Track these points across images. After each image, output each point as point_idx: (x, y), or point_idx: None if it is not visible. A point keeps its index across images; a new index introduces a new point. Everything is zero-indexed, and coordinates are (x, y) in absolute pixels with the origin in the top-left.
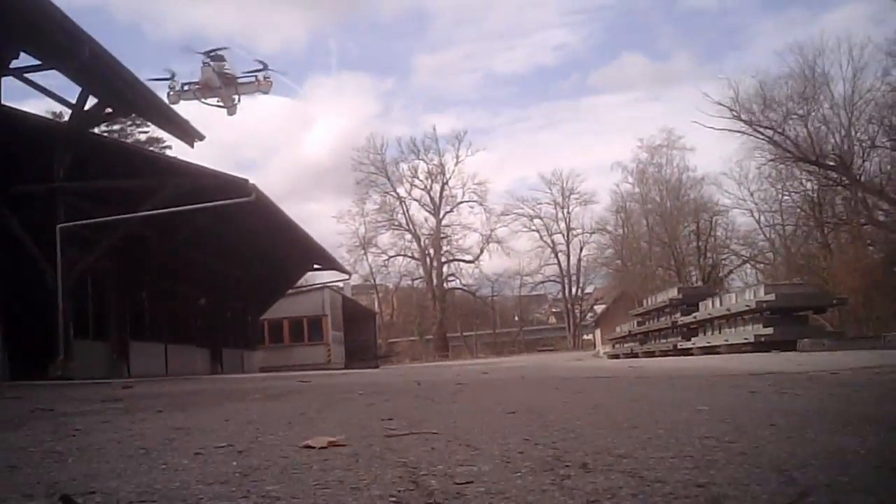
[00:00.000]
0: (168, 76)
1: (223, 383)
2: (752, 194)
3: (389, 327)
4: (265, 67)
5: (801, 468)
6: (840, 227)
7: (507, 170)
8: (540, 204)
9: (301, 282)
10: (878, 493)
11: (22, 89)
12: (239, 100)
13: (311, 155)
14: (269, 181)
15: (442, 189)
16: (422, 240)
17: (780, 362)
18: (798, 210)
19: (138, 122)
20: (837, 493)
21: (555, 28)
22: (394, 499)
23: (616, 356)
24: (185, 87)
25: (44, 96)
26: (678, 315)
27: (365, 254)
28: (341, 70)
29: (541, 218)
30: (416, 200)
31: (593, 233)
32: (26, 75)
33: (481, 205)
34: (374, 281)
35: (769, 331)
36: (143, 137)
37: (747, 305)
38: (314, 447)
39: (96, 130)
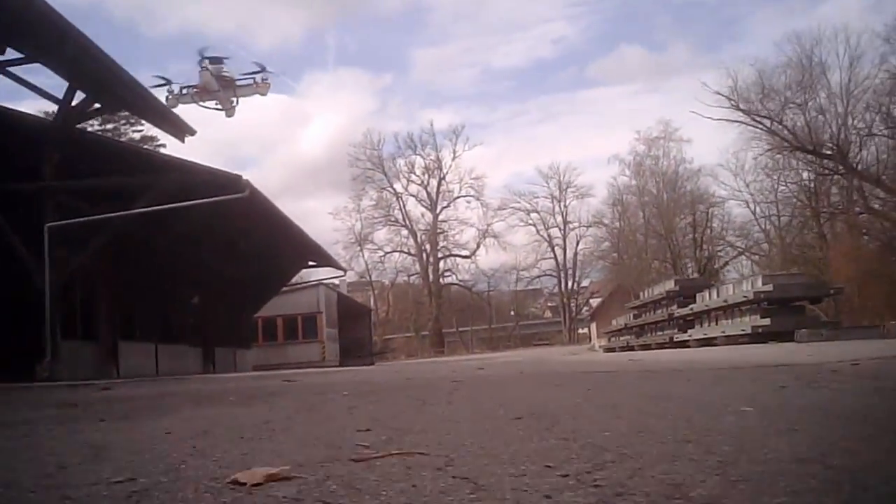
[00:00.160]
0: (165, 81)
1: (205, 384)
2: (747, 185)
3: (385, 324)
4: (263, 69)
5: None
6: (836, 216)
7: (504, 164)
8: (537, 198)
9: (296, 279)
10: None
11: (10, 87)
12: (237, 102)
13: (307, 152)
14: (266, 178)
15: (439, 184)
16: (418, 235)
17: (786, 353)
18: (794, 200)
19: (132, 121)
20: None
21: (553, 21)
22: None
23: (612, 349)
24: (184, 91)
25: (37, 97)
26: (675, 307)
27: (361, 250)
28: (338, 66)
29: (537, 212)
30: (413, 196)
31: (590, 226)
32: (12, 69)
33: (478, 200)
34: (370, 277)
35: (766, 321)
36: (137, 136)
37: (745, 296)
38: (244, 484)
39: (89, 129)
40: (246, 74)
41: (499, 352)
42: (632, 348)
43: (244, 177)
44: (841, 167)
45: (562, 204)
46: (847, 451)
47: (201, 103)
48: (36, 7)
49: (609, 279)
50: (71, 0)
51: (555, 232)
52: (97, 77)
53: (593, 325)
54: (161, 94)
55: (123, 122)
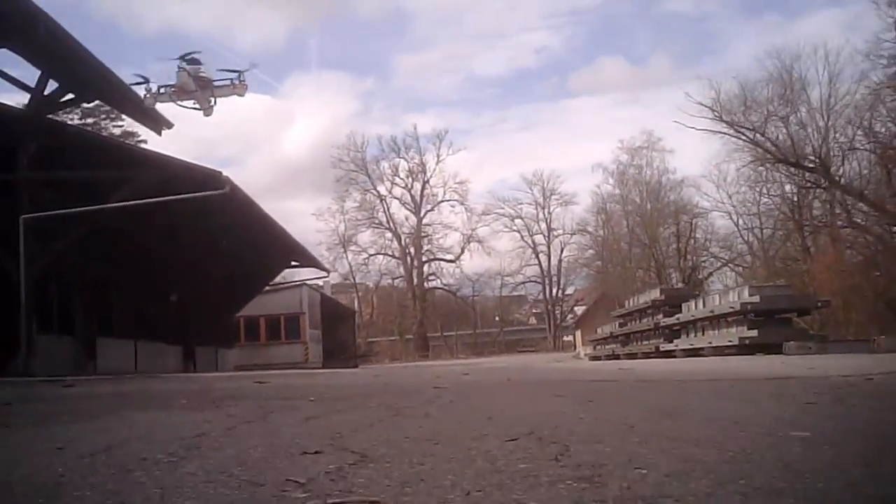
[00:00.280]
0: (144, 79)
1: (169, 384)
2: (730, 197)
3: (369, 326)
4: (239, 71)
5: None
6: (820, 229)
7: (487, 170)
8: (521, 204)
9: (279, 279)
10: None
11: None
12: (215, 102)
13: (290, 153)
14: (249, 178)
15: (423, 188)
16: (402, 238)
17: (783, 366)
18: (777, 212)
19: (112, 116)
20: None
21: (535, 31)
22: None
23: (597, 358)
24: (162, 91)
25: (11, 90)
26: (660, 316)
27: (345, 252)
28: (321, 68)
29: (522, 218)
30: (397, 199)
31: (574, 234)
32: None
33: (462, 204)
34: (354, 279)
35: (753, 333)
36: (117, 131)
37: (731, 307)
38: None
39: (70, 123)
40: (223, 71)
41: (483, 357)
42: (617, 357)
43: (224, 173)
44: (824, 180)
45: (546, 211)
46: None
47: (179, 103)
48: None
49: (593, 287)
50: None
51: (539, 238)
52: (70, 66)
53: (578, 333)
54: (139, 92)
55: (104, 116)
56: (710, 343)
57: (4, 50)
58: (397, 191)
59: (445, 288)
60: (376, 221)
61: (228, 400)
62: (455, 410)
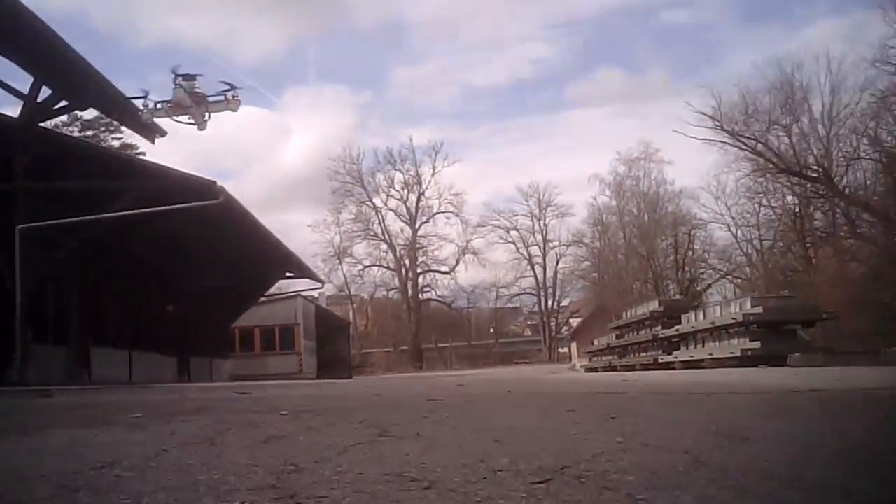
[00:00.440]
0: (143, 94)
1: (147, 395)
2: (729, 209)
3: (364, 338)
4: (233, 87)
5: None
6: (824, 240)
7: (483, 182)
8: (516, 216)
9: (274, 290)
10: None
11: None
12: (209, 117)
13: (287, 165)
14: (247, 191)
15: (418, 200)
16: (397, 250)
17: (800, 378)
18: (778, 223)
19: (111, 128)
20: None
21: (532, 42)
22: None
23: (594, 369)
24: (159, 106)
25: (15, 103)
26: (659, 328)
27: (340, 263)
28: (319, 81)
29: (517, 230)
30: (393, 210)
31: (570, 245)
32: None
33: (458, 216)
34: (349, 291)
35: (756, 345)
36: (116, 144)
37: (733, 318)
38: None
39: (74, 133)
40: (218, 91)
41: (478, 368)
42: (614, 369)
43: (219, 184)
44: (827, 190)
45: (541, 222)
46: None
47: (175, 118)
48: None
49: (589, 299)
50: (51, 12)
51: (535, 250)
52: (63, 72)
53: (573, 345)
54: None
55: (103, 129)
56: (711, 355)
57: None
58: (393, 202)
59: (440, 300)
60: (372, 233)
61: (189, 414)
62: (453, 429)
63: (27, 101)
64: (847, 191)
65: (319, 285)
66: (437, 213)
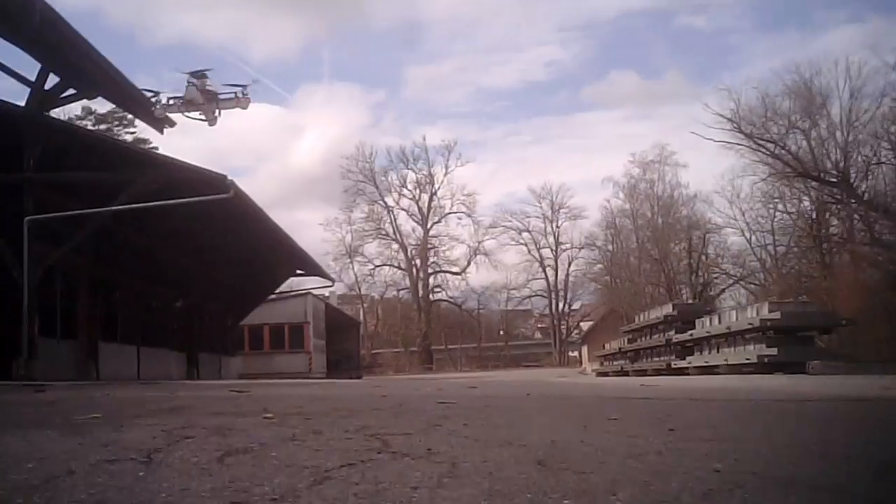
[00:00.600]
0: (155, 92)
1: (136, 391)
2: (743, 214)
3: (374, 337)
4: (243, 86)
5: None
6: (842, 246)
7: (496, 183)
8: (529, 217)
9: (284, 287)
10: None
11: None
12: (219, 113)
13: (300, 163)
14: (259, 189)
15: (430, 199)
16: (409, 250)
17: (834, 386)
18: (795, 228)
19: (125, 122)
20: None
21: (547, 44)
22: None
23: (605, 374)
24: (171, 102)
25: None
26: (673, 332)
27: (351, 262)
28: (333, 80)
29: (529, 231)
30: (404, 210)
31: (582, 248)
32: None
33: (469, 216)
34: (360, 290)
35: (773, 351)
36: (129, 138)
37: (750, 324)
38: None
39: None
40: (228, 85)
41: (487, 371)
42: (626, 373)
43: (229, 177)
44: (846, 195)
45: (554, 225)
46: None
47: (186, 114)
48: None
49: (601, 302)
50: (69, 10)
51: (546, 252)
52: (70, 59)
53: (584, 349)
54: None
55: (117, 123)
56: (726, 360)
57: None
58: (405, 202)
59: (451, 300)
60: (383, 232)
61: (157, 416)
62: (475, 443)
63: (34, 88)
64: (866, 196)
65: (330, 284)
66: (449, 213)
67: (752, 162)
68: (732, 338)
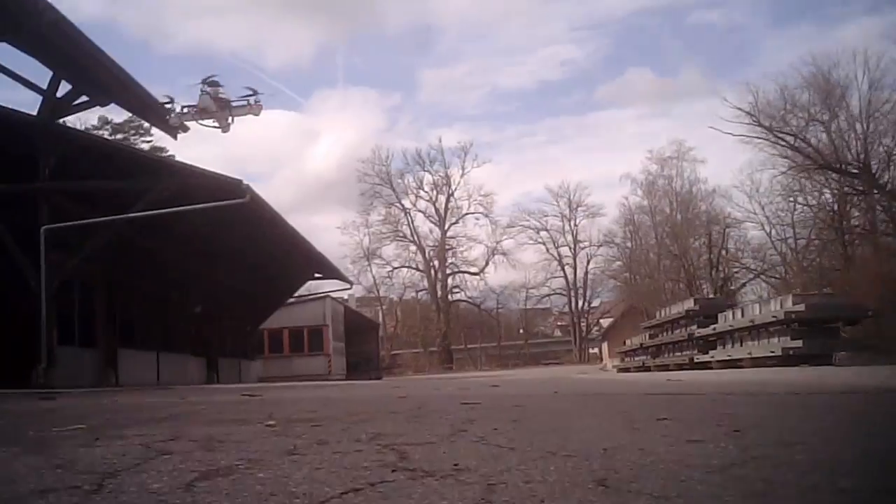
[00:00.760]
0: (170, 100)
1: (146, 398)
2: (762, 207)
3: (393, 339)
4: (255, 93)
5: None
6: (865, 237)
7: (513, 183)
8: (546, 216)
9: (303, 291)
10: None
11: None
12: (232, 121)
13: (316, 168)
14: (276, 194)
15: (447, 201)
16: (426, 251)
17: (870, 378)
18: (815, 221)
19: (141, 132)
20: None
21: (561, 43)
22: None
23: (626, 370)
24: (185, 111)
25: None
26: (694, 327)
27: (369, 265)
28: (348, 85)
29: (547, 230)
30: (422, 212)
31: (601, 245)
32: None
33: (487, 216)
34: (378, 292)
35: (798, 343)
36: (146, 146)
37: (774, 316)
38: None
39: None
40: (242, 96)
41: (508, 370)
42: (648, 369)
43: (245, 182)
44: (869, 187)
45: (572, 223)
46: None
47: (200, 121)
48: None
49: (620, 299)
50: (84, 19)
51: (565, 251)
52: (81, 65)
53: (604, 345)
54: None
55: (133, 132)
56: (750, 354)
57: (18, 52)
58: (422, 204)
59: (469, 300)
60: (401, 234)
61: (150, 425)
62: (510, 453)
63: (46, 96)
64: (888, 186)
65: (348, 286)
66: (467, 213)
67: (771, 156)
68: (756, 331)
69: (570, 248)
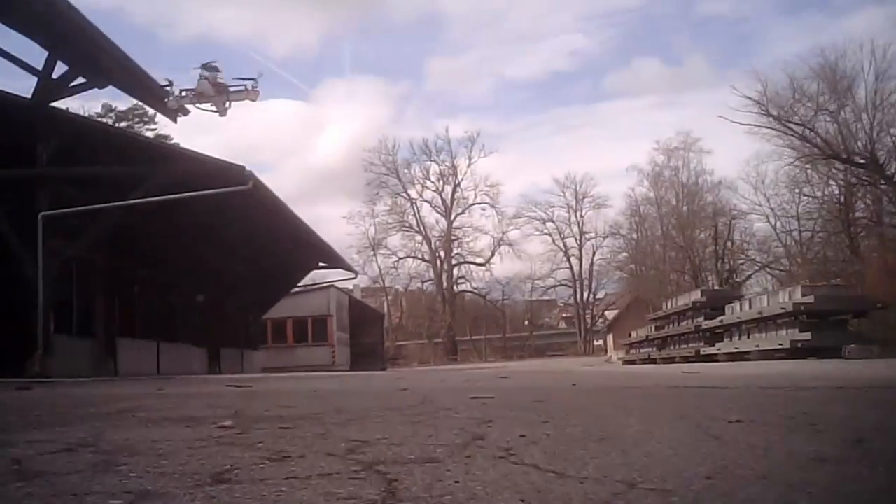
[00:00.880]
0: (169, 82)
1: (125, 388)
2: (768, 199)
3: (398, 330)
4: (253, 79)
5: None
6: (871, 228)
7: (520, 173)
8: (553, 207)
9: (308, 281)
10: None
11: None
12: (230, 105)
13: (322, 157)
14: (282, 183)
15: (454, 191)
16: (432, 242)
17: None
18: (821, 212)
19: (146, 119)
20: None
21: (569, 33)
22: None
23: (631, 362)
24: (183, 94)
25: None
26: (701, 319)
27: (374, 255)
28: (354, 74)
29: (553, 221)
30: (428, 202)
31: (607, 236)
32: None
33: (493, 207)
34: (384, 283)
35: (807, 336)
36: (150, 134)
37: (782, 308)
38: None
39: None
40: (238, 78)
41: (513, 361)
42: (653, 361)
43: (248, 168)
44: (877, 177)
45: (578, 214)
46: None
47: (198, 105)
48: None
49: (626, 291)
50: (91, 7)
51: (571, 242)
52: (78, 46)
53: (610, 337)
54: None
55: (137, 120)
56: (758, 346)
57: (12, 33)
58: (428, 194)
59: (475, 291)
60: (406, 225)
61: (87, 421)
62: (555, 479)
63: (41, 77)
64: (895, 178)
65: (353, 276)
66: (473, 204)
67: (779, 147)
68: (764, 323)
69: (575, 240)
